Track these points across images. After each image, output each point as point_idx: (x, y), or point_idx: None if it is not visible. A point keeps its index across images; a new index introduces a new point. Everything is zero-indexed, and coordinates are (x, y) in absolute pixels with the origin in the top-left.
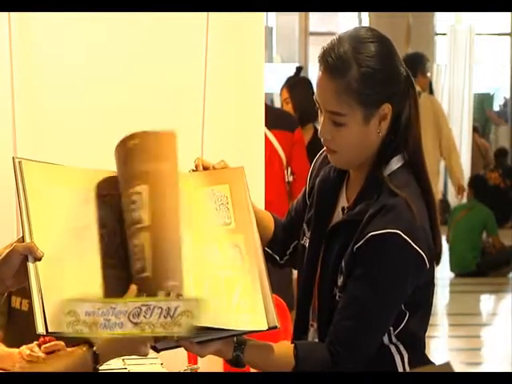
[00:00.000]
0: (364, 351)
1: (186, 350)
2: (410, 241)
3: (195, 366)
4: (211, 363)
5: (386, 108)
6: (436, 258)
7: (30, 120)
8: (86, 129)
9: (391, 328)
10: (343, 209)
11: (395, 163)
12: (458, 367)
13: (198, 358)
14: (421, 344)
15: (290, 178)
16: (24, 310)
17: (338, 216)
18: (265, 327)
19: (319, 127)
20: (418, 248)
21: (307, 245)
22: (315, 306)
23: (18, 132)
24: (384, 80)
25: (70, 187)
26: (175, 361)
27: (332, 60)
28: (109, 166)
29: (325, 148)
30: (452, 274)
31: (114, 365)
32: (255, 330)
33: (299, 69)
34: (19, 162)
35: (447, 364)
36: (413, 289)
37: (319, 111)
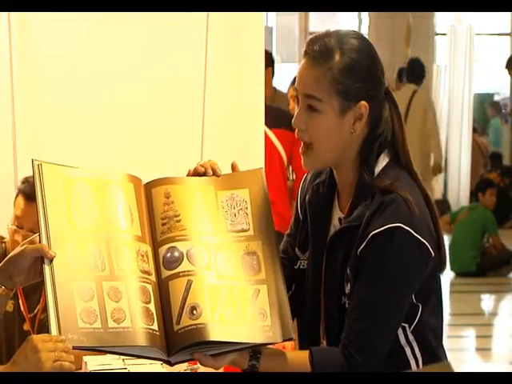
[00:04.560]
0: (378, 351)
1: (200, 363)
2: (411, 231)
3: (195, 366)
4: None
5: (363, 107)
6: (440, 265)
7: (29, 120)
8: (85, 128)
9: (406, 325)
10: (340, 219)
11: (382, 159)
12: (458, 367)
13: None
14: (438, 342)
15: (293, 177)
16: (9, 310)
17: (336, 228)
18: (279, 339)
19: (293, 118)
20: (420, 237)
21: (306, 266)
22: (324, 323)
23: (17, 132)
24: (365, 77)
25: (89, 189)
26: None
27: (317, 47)
28: (108, 165)
29: (300, 149)
30: (452, 274)
31: (114, 365)
32: (269, 343)
33: None
34: (38, 165)
35: (447, 364)
36: (421, 279)
37: (296, 105)
